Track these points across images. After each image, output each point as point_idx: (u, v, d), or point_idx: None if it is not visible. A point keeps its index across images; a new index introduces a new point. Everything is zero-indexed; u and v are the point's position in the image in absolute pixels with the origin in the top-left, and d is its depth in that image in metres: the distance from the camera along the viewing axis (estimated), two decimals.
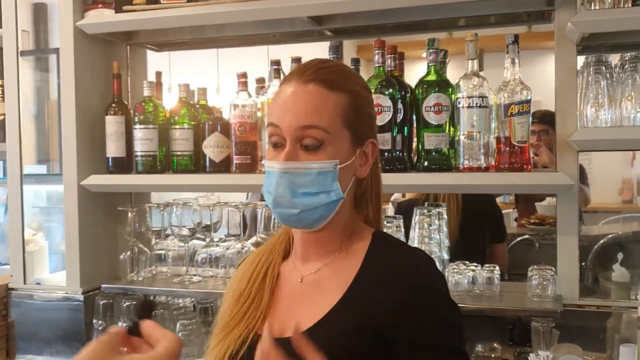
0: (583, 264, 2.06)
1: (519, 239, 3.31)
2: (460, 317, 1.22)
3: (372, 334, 1.16)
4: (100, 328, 2.35)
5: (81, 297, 2.38)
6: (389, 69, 2.08)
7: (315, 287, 1.26)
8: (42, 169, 4.37)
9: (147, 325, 1.03)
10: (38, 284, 2.57)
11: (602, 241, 2.75)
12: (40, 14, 5.14)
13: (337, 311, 1.20)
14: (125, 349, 1.02)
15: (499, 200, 4.03)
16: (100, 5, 2.34)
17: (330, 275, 1.26)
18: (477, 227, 2.88)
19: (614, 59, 2.01)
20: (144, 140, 2.33)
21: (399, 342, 1.15)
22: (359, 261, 1.25)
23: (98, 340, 0.98)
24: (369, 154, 1.27)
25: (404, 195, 3.29)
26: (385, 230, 2.05)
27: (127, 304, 2.33)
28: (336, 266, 1.27)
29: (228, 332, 1.28)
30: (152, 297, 2.40)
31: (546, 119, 3.00)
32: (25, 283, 2.53)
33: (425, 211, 2.11)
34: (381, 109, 1.98)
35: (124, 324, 1.11)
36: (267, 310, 1.28)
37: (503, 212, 3.50)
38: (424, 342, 1.15)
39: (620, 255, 2.15)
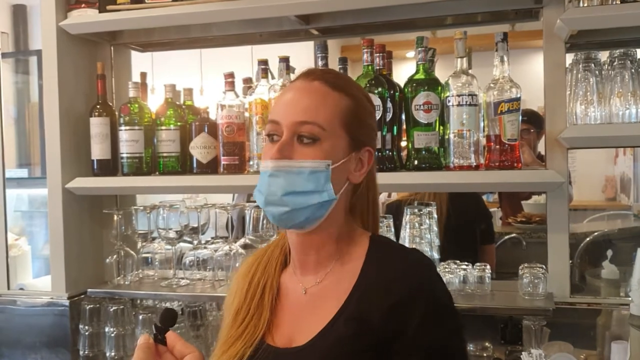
0: (570, 261, 2.06)
1: (506, 237, 3.32)
2: (458, 319, 1.21)
3: (373, 340, 1.16)
4: (86, 333, 2.32)
5: (66, 302, 2.34)
6: (378, 67, 2.07)
7: (318, 298, 1.26)
8: (23, 173, 4.33)
9: (171, 337, 1.13)
10: (21, 289, 2.53)
11: (588, 239, 2.76)
12: (19, 16, 5.09)
13: (338, 320, 1.20)
14: None
15: None
16: (83, 5, 2.30)
17: (332, 284, 1.26)
18: (466, 228, 2.89)
19: (603, 56, 2.01)
20: (129, 142, 2.29)
21: (398, 346, 1.15)
22: (358, 267, 1.24)
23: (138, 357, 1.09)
24: (365, 161, 1.27)
25: (389, 195, 3.28)
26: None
27: (113, 308, 2.30)
28: (337, 274, 1.26)
29: (225, 350, 1.27)
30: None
31: (528, 118, 3.03)
32: (8, 289, 2.48)
33: (415, 210, 2.09)
34: None
35: (150, 333, 1.16)
36: (270, 323, 1.28)
37: None
38: (422, 345, 1.15)
39: (609, 253, 2.16)
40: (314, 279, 1.28)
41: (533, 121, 3.04)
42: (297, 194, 1.19)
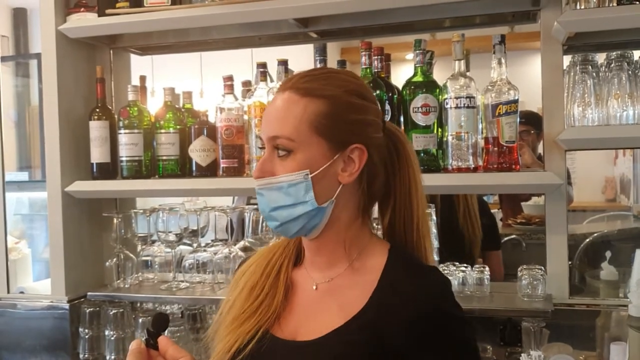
0: (569, 262, 2.07)
1: (505, 239, 3.32)
2: (472, 343, 1.21)
3: (382, 351, 1.16)
4: (86, 337, 2.32)
5: (66, 306, 2.34)
6: (376, 70, 2.07)
7: (329, 296, 1.25)
8: (23, 176, 4.34)
9: (163, 342, 1.14)
10: (22, 292, 2.53)
11: (587, 240, 2.76)
12: (19, 19, 5.10)
13: (351, 324, 1.19)
14: None
15: None
16: (82, 9, 2.31)
17: (345, 287, 1.25)
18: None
19: (600, 58, 2.02)
20: (128, 145, 2.30)
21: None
22: (376, 277, 1.22)
23: None
24: (356, 160, 1.22)
25: None
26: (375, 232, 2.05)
27: (113, 311, 2.31)
28: (351, 278, 1.25)
29: (238, 325, 1.27)
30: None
31: (528, 120, 3.03)
32: (8, 292, 2.48)
33: None
34: None
35: (142, 338, 1.16)
36: (279, 309, 1.27)
37: None
38: None
39: (608, 254, 2.16)
40: (325, 276, 1.28)
41: (533, 122, 3.05)
42: (281, 208, 1.21)
